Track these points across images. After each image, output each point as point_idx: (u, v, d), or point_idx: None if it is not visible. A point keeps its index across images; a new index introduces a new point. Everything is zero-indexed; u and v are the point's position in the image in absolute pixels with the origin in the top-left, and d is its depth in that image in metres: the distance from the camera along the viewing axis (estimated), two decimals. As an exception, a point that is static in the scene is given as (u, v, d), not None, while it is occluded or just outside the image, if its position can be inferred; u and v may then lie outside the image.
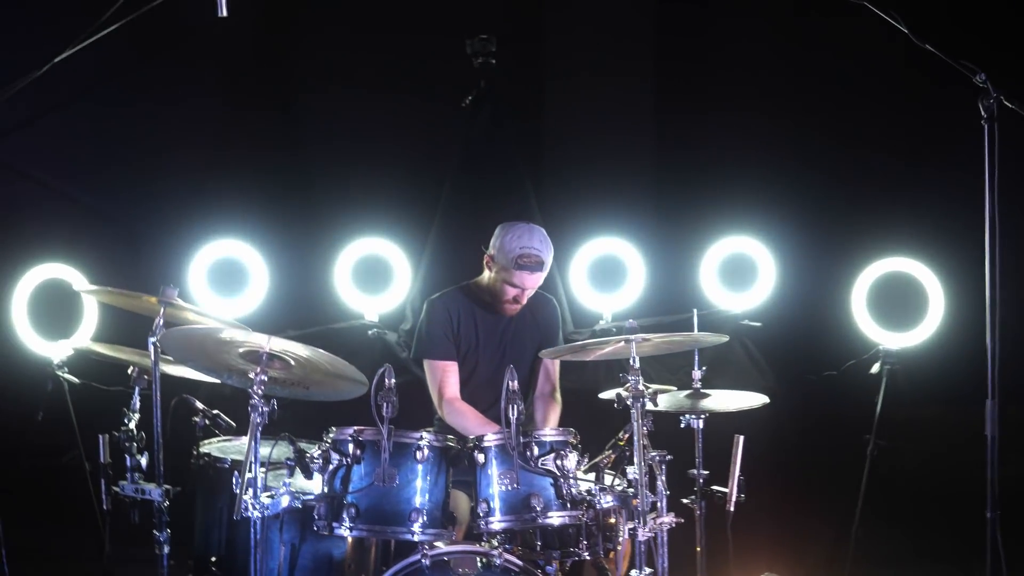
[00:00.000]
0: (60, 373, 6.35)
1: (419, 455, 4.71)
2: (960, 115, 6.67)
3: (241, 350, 4.77)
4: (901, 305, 6.76)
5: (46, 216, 7.15)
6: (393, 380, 4.64)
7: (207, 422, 5.46)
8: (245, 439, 4.91)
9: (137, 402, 5.39)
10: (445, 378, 5.52)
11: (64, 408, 6.42)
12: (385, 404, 4.61)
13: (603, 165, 7.33)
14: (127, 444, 5.23)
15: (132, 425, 5.30)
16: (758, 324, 7.02)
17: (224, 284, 7.04)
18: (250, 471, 4.63)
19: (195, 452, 5.44)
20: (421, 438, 4.74)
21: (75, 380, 6.35)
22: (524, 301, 5.49)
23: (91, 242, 7.06)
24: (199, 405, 5.45)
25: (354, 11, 7.39)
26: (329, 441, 4.81)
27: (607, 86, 7.41)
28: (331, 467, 4.74)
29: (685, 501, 5.30)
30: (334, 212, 7.23)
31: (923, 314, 6.73)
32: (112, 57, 6.94)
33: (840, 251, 7.00)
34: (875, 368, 6.67)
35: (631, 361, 4.74)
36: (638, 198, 7.36)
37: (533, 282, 5.43)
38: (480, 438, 4.78)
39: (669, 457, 4.79)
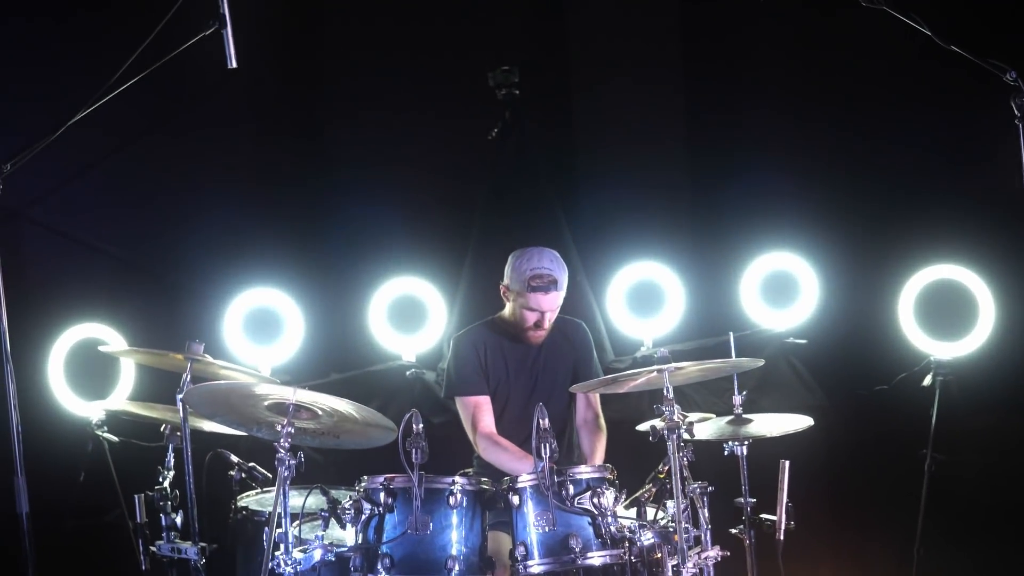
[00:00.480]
0: (99, 432, 6.30)
1: (452, 500, 4.59)
2: (1001, 114, 6.59)
3: (267, 403, 4.68)
4: (950, 314, 6.51)
5: (81, 274, 7.08)
6: (421, 425, 4.53)
7: (243, 475, 5.40)
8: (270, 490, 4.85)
9: (171, 459, 5.36)
10: (478, 413, 5.40)
11: (105, 468, 6.34)
12: (414, 450, 4.51)
13: (636, 188, 7.16)
14: (161, 503, 5.17)
15: (166, 483, 5.26)
16: (803, 341, 6.81)
17: (260, 333, 6.94)
18: (280, 526, 4.51)
19: (233, 506, 5.37)
20: (453, 483, 4.62)
21: (114, 439, 6.28)
22: (546, 326, 5.35)
23: (127, 299, 6.99)
24: (234, 458, 5.39)
25: (377, 46, 7.30)
26: (360, 490, 4.70)
27: (636, 107, 7.25)
28: (363, 517, 4.64)
29: (733, 531, 5.13)
30: (366, 253, 7.12)
31: (973, 322, 6.48)
32: (136, 109, 6.78)
33: (884, 261, 6.75)
34: (927, 380, 6.43)
35: (664, 391, 4.58)
36: (673, 220, 7.18)
37: (549, 303, 5.29)
38: (514, 479, 4.64)
39: (711, 488, 4.64)
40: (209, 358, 5.17)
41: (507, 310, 5.49)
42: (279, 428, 4.59)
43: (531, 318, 5.34)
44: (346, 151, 7.31)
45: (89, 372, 6.61)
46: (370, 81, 7.30)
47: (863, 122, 6.98)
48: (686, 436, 4.52)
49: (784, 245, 6.93)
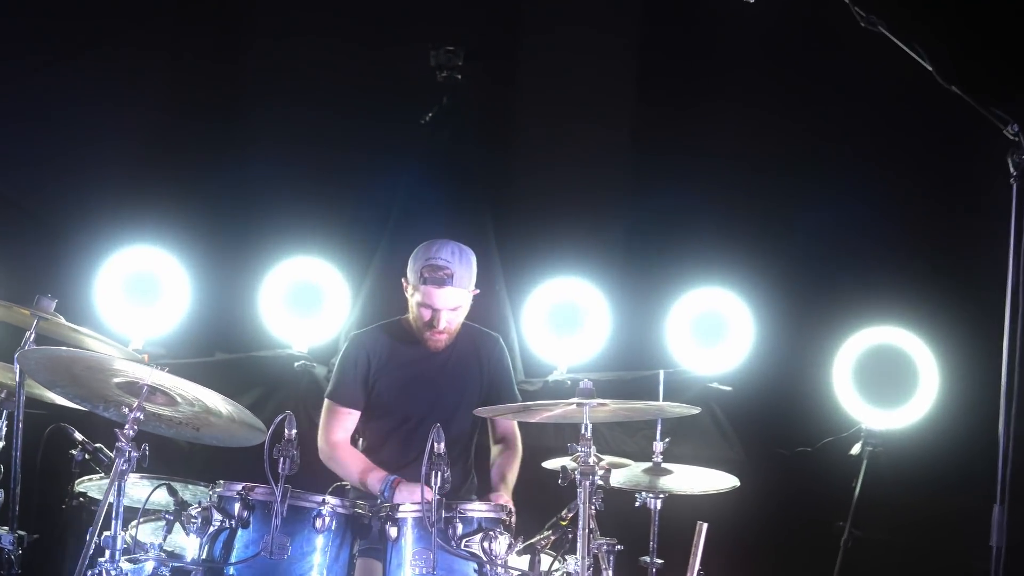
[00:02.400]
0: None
1: (319, 523, 3.85)
2: (962, 170, 6.07)
3: (118, 380, 3.88)
4: (889, 381, 5.95)
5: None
6: (295, 431, 3.78)
7: (86, 456, 4.56)
8: (132, 477, 4.06)
9: (2, 429, 4.51)
10: (336, 424, 4.73)
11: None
12: (282, 459, 3.74)
13: (572, 199, 6.48)
14: (-22, 479, 4.33)
15: (-10, 457, 4.41)
16: (728, 388, 6.19)
17: (138, 297, 6.13)
18: (108, 528, 3.71)
19: (69, 490, 4.58)
20: (323, 502, 3.88)
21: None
22: (441, 327, 4.62)
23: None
24: (78, 436, 4.57)
25: (311, 13, 6.53)
26: (213, 496, 3.92)
27: (583, 115, 6.57)
28: (212, 528, 3.85)
29: (635, 595, 4.46)
30: (271, 226, 6.33)
31: (913, 392, 5.92)
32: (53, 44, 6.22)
33: (825, 315, 6.15)
34: (855, 449, 5.86)
35: (582, 429, 3.88)
36: (607, 238, 6.51)
37: (443, 300, 4.58)
38: (395, 507, 3.90)
39: (619, 547, 3.94)
40: (61, 319, 4.36)
41: (410, 315, 4.74)
42: (126, 411, 3.78)
43: (424, 315, 4.62)
44: (264, 116, 6.50)
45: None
46: (298, 44, 6.52)
47: (817, 169, 6.39)
48: (600, 483, 3.81)
49: (721, 282, 6.32)
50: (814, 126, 6.37)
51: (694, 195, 6.42)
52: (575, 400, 3.88)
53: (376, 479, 4.39)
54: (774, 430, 6.18)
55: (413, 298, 4.65)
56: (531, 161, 6.57)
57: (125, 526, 3.95)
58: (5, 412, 4.49)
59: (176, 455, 5.81)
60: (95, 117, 6.34)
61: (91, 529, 3.59)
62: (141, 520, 4.21)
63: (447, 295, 4.55)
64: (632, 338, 6.33)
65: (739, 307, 6.27)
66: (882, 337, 6.01)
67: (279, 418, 3.74)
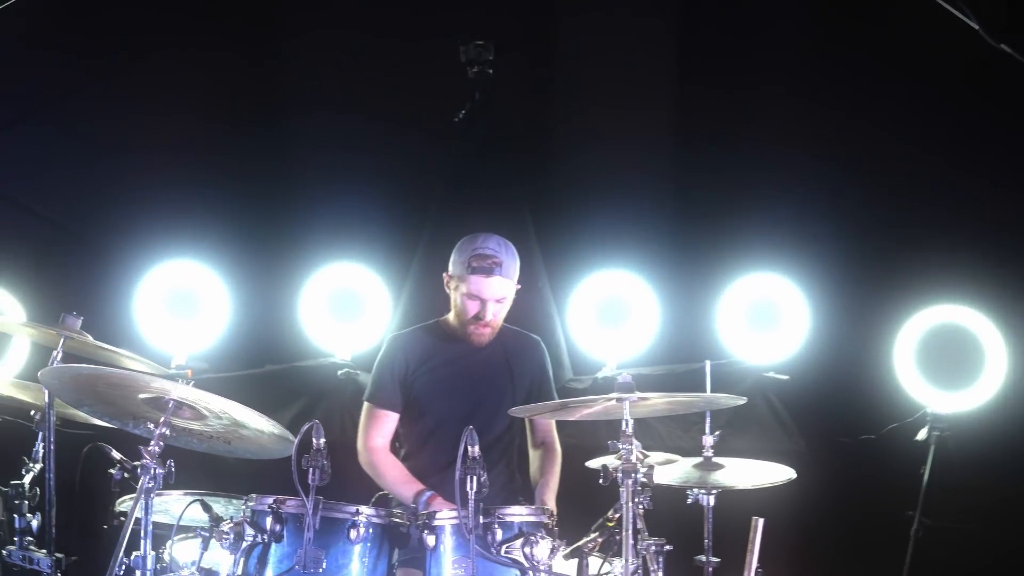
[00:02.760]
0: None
1: (354, 534, 3.72)
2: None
3: (143, 396, 3.77)
4: (954, 362, 5.68)
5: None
6: (323, 440, 3.65)
7: (126, 475, 4.42)
8: (175, 494, 3.97)
9: (39, 451, 4.43)
10: (375, 427, 4.61)
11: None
12: (312, 469, 3.60)
13: (613, 190, 6.23)
14: (16, 502, 4.25)
15: (27, 479, 4.33)
16: (785, 377, 5.95)
17: (180, 311, 6.04)
18: (138, 548, 3.60)
19: (111, 511, 4.47)
20: (357, 512, 3.73)
21: (-5, 419, 5.34)
22: (488, 319, 4.52)
23: (35, 262, 6.11)
24: (116, 454, 4.43)
25: (342, 14, 6.39)
26: (246, 511, 3.80)
27: (623, 102, 6.31)
28: (244, 544, 3.72)
29: (691, 597, 4.26)
30: (308, 235, 6.19)
31: (980, 373, 5.63)
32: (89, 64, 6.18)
33: (884, 295, 5.89)
34: (921, 434, 5.60)
35: (623, 425, 3.70)
36: (652, 228, 6.25)
37: (491, 290, 4.48)
38: (431, 515, 3.74)
39: (668, 547, 3.75)
40: (89, 337, 4.27)
41: (451, 308, 4.62)
42: (151, 427, 3.67)
43: (471, 308, 4.51)
44: (296, 124, 6.38)
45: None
46: (329, 51, 6.36)
47: (871, 143, 6.12)
48: (644, 481, 3.62)
49: (774, 267, 6.07)
50: (864, 104, 6.11)
51: (741, 180, 6.20)
52: (614, 396, 3.70)
53: (411, 491, 4.29)
54: (835, 418, 5.93)
55: (458, 291, 4.54)
56: (569, 152, 6.36)
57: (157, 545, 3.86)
58: (41, 434, 4.41)
59: (226, 471, 5.73)
60: (130, 133, 6.28)
61: (115, 550, 3.47)
62: (177, 538, 4.14)
63: (495, 284, 4.46)
64: (682, 330, 6.10)
65: (793, 292, 6.02)
66: (945, 316, 5.75)
67: (305, 427, 3.61)
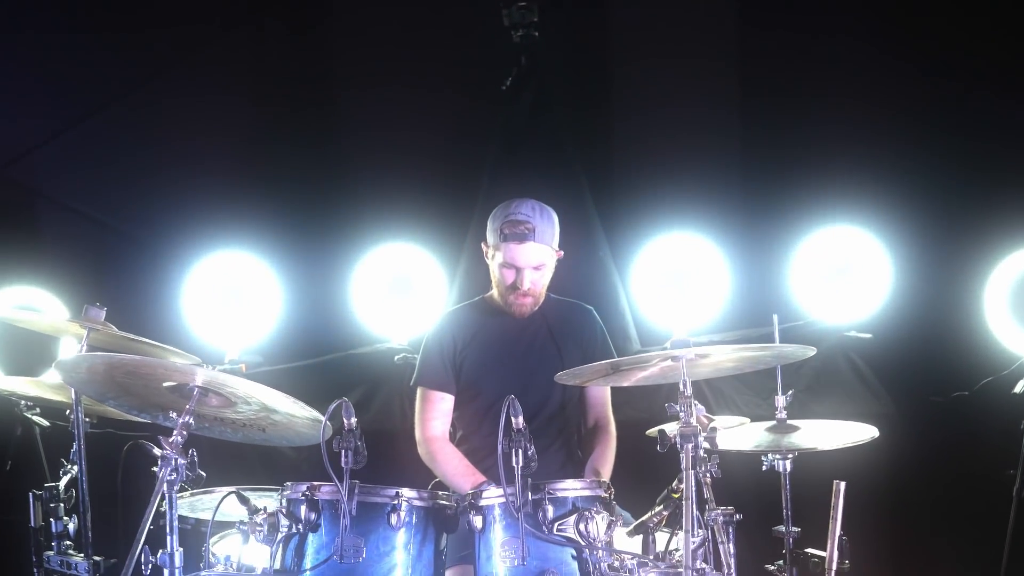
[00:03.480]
0: (29, 415, 5.16)
1: (394, 519, 3.41)
2: None
3: (167, 384, 3.51)
4: (1053, 305, 5.19)
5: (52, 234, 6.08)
6: (353, 419, 3.34)
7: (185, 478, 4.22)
8: (223, 491, 3.74)
9: (83, 450, 4.21)
10: (430, 411, 4.29)
11: (36, 456, 5.22)
12: (344, 451, 3.30)
13: (672, 149, 5.86)
14: (52, 505, 4.04)
15: (63, 482, 4.12)
16: (868, 336, 5.53)
17: (229, 305, 5.83)
18: (165, 546, 3.35)
19: (157, 511, 4.24)
20: (397, 496, 3.42)
21: (45, 423, 5.14)
22: (526, 288, 4.20)
23: (80, 260, 5.95)
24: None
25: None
26: (281, 500, 3.52)
27: (680, 56, 5.91)
28: (280, 535, 3.44)
29: (771, 568, 3.90)
30: (355, 217, 5.95)
31: (1082, 315, 5.15)
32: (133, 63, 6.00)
33: (970, 240, 5.44)
34: (1019, 387, 5.12)
35: (681, 386, 3.34)
36: (717, 185, 5.87)
37: (525, 256, 4.16)
38: (476, 495, 3.43)
39: (738, 516, 3.40)
40: (114, 328, 4.03)
41: (492, 280, 4.32)
42: (174, 415, 3.42)
43: (508, 277, 4.22)
44: (341, 104, 6.14)
45: (22, 343, 5.50)
46: (371, 26, 6.10)
47: (950, 79, 5.66)
48: (706, 446, 3.26)
49: (849, 219, 5.65)
50: (935, 53, 5.65)
51: (809, 130, 5.80)
52: (669, 353, 3.34)
53: (470, 484, 3.92)
54: (925, 377, 5.49)
55: (495, 260, 4.26)
56: (625, 112, 6.00)
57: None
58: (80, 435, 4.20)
59: (284, 465, 5.51)
60: (175, 127, 6.08)
61: (132, 548, 3.21)
62: (220, 534, 3.91)
63: (529, 251, 4.14)
64: (755, 293, 5.71)
65: (871, 244, 5.62)
66: (1037, 258, 5.27)
67: (333, 405, 3.32)
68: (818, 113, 5.78)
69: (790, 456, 3.87)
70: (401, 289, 5.85)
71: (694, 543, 3.20)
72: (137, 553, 3.21)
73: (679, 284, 5.75)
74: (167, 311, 5.80)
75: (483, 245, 4.31)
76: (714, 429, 3.29)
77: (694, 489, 3.18)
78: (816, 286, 5.64)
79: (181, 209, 5.98)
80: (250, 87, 6.20)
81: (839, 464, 4.04)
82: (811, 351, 3.52)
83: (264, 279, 5.84)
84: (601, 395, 4.34)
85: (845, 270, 5.63)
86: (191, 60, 6.16)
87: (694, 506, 3.15)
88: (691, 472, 3.21)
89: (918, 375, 5.49)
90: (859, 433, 3.92)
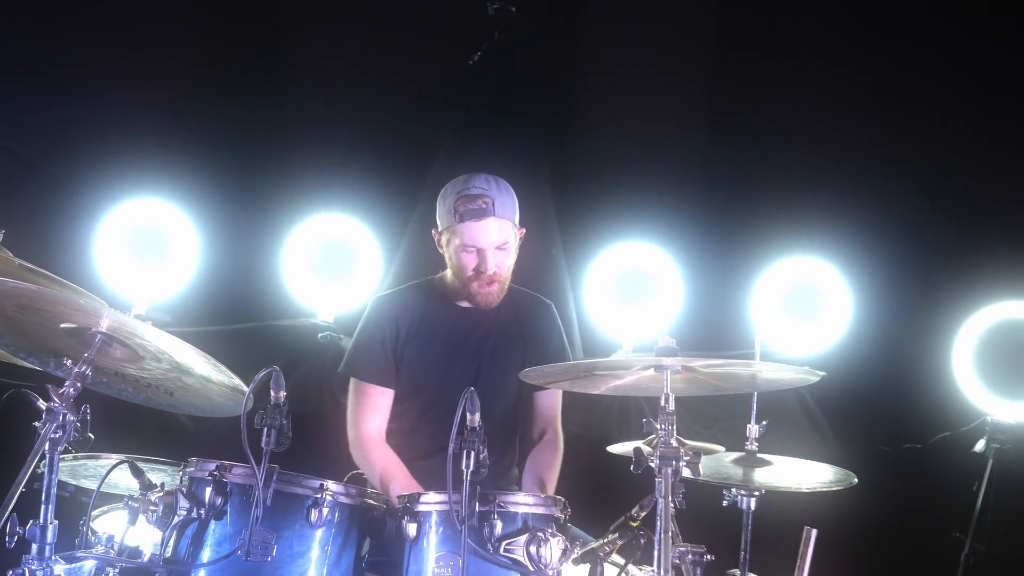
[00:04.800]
0: None
1: (315, 515, 2.85)
2: None
3: (65, 326, 2.91)
4: (1019, 365, 4.81)
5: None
6: (283, 393, 2.78)
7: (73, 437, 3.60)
8: (113, 459, 3.16)
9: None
10: (367, 408, 3.69)
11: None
12: (267, 429, 2.74)
13: (640, 154, 5.41)
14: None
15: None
16: (822, 373, 5.06)
17: (145, 256, 5.20)
18: (39, 517, 2.74)
19: (33, 473, 3.63)
20: (321, 488, 2.87)
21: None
22: (491, 271, 3.64)
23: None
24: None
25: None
26: (184, 478, 2.94)
27: (655, 57, 5.46)
28: (176, 519, 2.86)
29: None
30: (295, 180, 5.36)
31: (1050, 379, 4.80)
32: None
33: (942, 288, 5.06)
34: (979, 446, 4.80)
35: (662, 400, 2.85)
36: (682, 199, 5.41)
37: (486, 235, 3.61)
38: (413, 498, 2.89)
39: (709, 557, 2.90)
40: (9, 254, 3.39)
41: (448, 269, 3.76)
42: (67, 363, 2.83)
43: (469, 262, 3.64)
44: (287, 56, 5.52)
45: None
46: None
47: (925, 121, 5.28)
48: (686, 473, 2.78)
49: (814, 250, 5.26)
50: (917, 84, 5.29)
51: (781, 153, 5.38)
52: (654, 360, 2.85)
53: (400, 487, 3.36)
54: (877, 422, 5.10)
55: (451, 246, 3.67)
56: (594, 108, 5.52)
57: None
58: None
59: (183, 435, 4.90)
60: (103, 68, 5.41)
61: (13, 518, 2.61)
62: (103, 508, 3.32)
63: (490, 228, 3.58)
64: (709, 313, 5.27)
65: (834, 278, 5.22)
66: (1009, 312, 4.91)
67: (261, 374, 2.77)
68: (789, 138, 5.38)
69: (756, 494, 3.42)
70: (334, 262, 5.29)
71: (657, 583, 2.70)
72: (2, 521, 2.60)
73: (631, 295, 5.29)
74: (75, 254, 5.14)
75: (433, 232, 3.72)
76: (698, 455, 2.80)
77: (670, 519, 2.68)
78: (773, 314, 5.22)
79: (103, 150, 5.31)
80: (190, 30, 5.57)
81: (788, 506, 3.62)
82: (816, 376, 3.07)
83: (184, 233, 5.22)
84: (554, 401, 3.81)
85: (804, 302, 5.22)
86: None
87: (670, 539, 2.65)
88: (667, 498, 2.71)
89: (871, 420, 5.09)
90: (835, 477, 3.48)
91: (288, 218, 5.32)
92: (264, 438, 2.75)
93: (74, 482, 3.69)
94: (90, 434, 3.21)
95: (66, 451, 3.73)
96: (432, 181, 5.26)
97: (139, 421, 4.64)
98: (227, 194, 5.30)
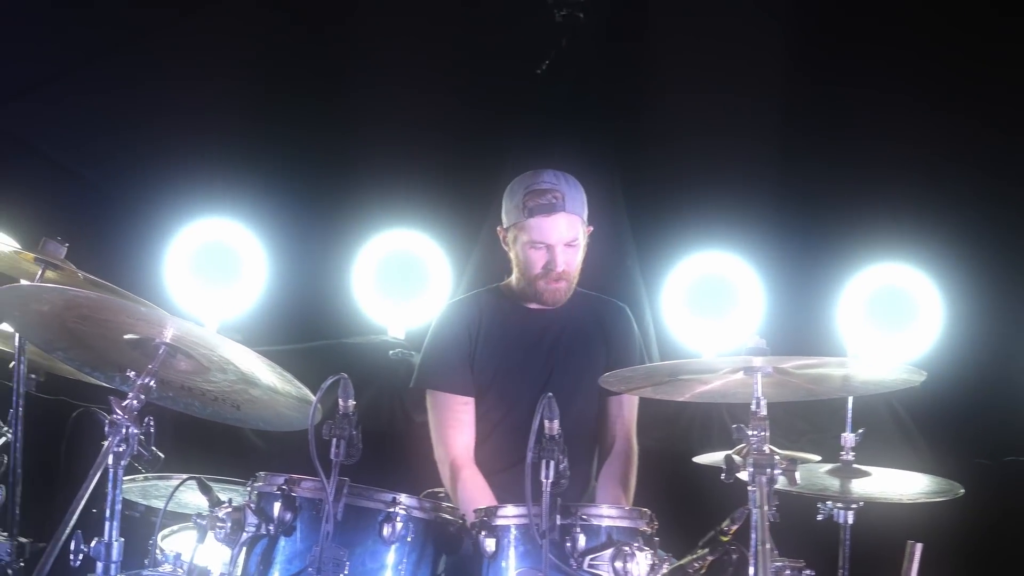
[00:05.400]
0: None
1: (387, 530, 2.69)
2: None
3: (128, 337, 2.81)
4: None
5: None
6: (351, 401, 2.63)
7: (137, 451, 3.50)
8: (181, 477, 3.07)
9: (20, 412, 3.49)
10: (451, 423, 3.49)
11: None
12: (336, 440, 2.60)
13: (716, 161, 5.17)
14: (-25, 474, 3.31)
15: (-7, 447, 3.40)
16: (924, 373, 4.81)
17: (215, 275, 5.13)
18: (103, 535, 2.63)
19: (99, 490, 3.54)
20: (394, 502, 2.71)
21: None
22: (561, 269, 3.48)
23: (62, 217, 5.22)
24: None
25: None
26: (253, 494, 2.81)
27: (730, 60, 5.26)
28: (245, 536, 2.72)
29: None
30: (364, 197, 5.25)
31: None
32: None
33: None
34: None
35: (754, 405, 2.65)
36: (760, 208, 5.14)
37: (556, 230, 3.45)
38: (490, 511, 2.72)
39: (809, 573, 2.69)
40: (73, 267, 3.31)
41: (514, 269, 3.60)
42: (131, 376, 2.71)
43: (537, 259, 3.48)
44: (356, 73, 5.42)
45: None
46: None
47: (1016, 118, 5.01)
48: (781, 483, 2.58)
49: (903, 257, 5.00)
50: (1008, 76, 5.03)
51: (864, 159, 5.14)
52: (742, 363, 2.66)
53: None
54: (974, 433, 4.81)
55: (518, 242, 3.51)
56: (667, 116, 5.30)
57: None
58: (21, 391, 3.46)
59: (254, 454, 4.80)
60: (171, 91, 5.36)
61: (57, 533, 2.50)
62: (166, 525, 3.21)
63: (560, 224, 3.43)
64: (793, 323, 5.03)
65: (924, 284, 4.96)
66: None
67: (329, 381, 2.62)
68: (873, 145, 5.14)
69: (853, 507, 3.20)
70: (403, 278, 5.18)
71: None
72: (64, 537, 2.48)
73: (710, 306, 5.09)
74: (145, 276, 5.08)
75: (499, 230, 3.58)
76: (794, 462, 2.60)
77: (767, 531, 2.48)
78: (860, 324, 4.98)
79: (172, 172, 5.27)
80: (256, 51, 5.50)
81: (885, 519, 3.40)
82: (919, 377, 2.85)
83: (253, 252, 5.15)
84: (630, 409, 3.61)
85: (893, 309, 4.98)
86: (195, 17, 5.47)
87: (768, 552, 2.45)
88: (763, 508, 2.51)
89: (967, 431, 4.81)
90: (940, 487, 3.25)
91: (357, 235, 5.22)
92: (333, 449, 2.60)
93: (144, 502, 3.60)
94: (159, 453, 3.11)
95: (136, 471, 3.70)
96: (500, 192, 5.16)
97: (210, 440, 4.55)
98: (295, 213, 5.21)
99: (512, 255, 3.57)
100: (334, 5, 5.50)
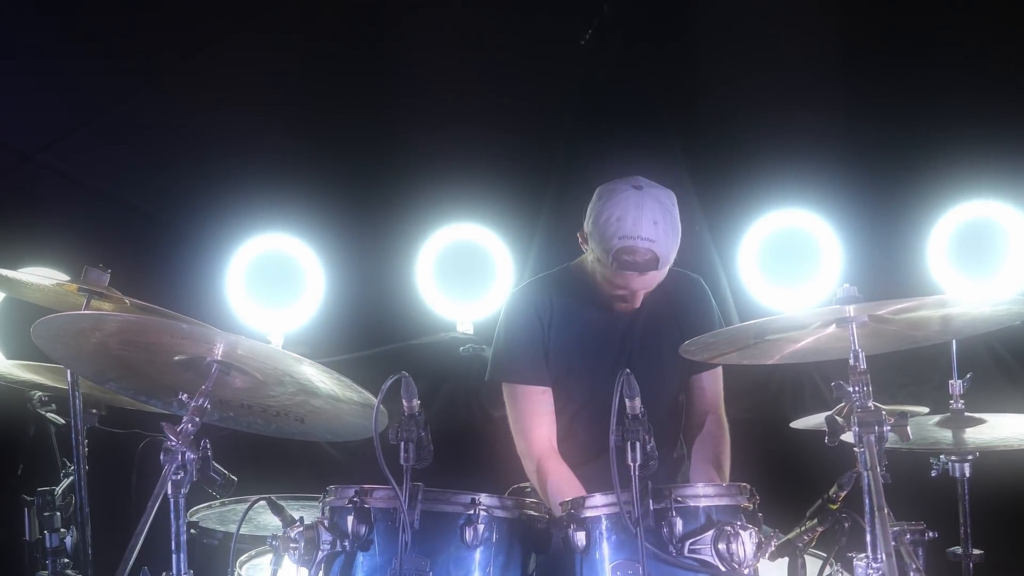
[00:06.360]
0: (43, 411, 4.31)
1: (470, 534, 2.49)
2: None
3: (179, 358, 2.64)
4: None
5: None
6: (417, 401, 2.43)
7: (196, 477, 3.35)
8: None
9: (84, 449, 3.36)
10: (532, 415, 3.26)
11: (52, 458, 4.38)
12: (404, 444, 2.40)
13: (780, 115, 4.91)
14: (46, 515, 3.18)
15: (60, 487, 3.27)
16: (1016, 322, 4.51)
17: (275, 291, 4.99)
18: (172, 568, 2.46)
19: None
20: (473, 503, 2.51)
21: (61, 421, 4.29)
22: (638, 300, 3.23)
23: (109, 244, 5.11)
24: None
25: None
26: (325, 510, 2.63)
27: (780, 18, 5.00)
28: (320, 554, 2.54)
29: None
30: (419, 193, 5.07)
31: None
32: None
33: None
34: None
35: (852, 359, 2.41)
36: (830, 159, 4.90)
37: (644, 284, 3.18)
38: (578, 503, 2.51)
39: (932, 534, 2.44)
40: (118, 294, 3.16)
41: (588, 261, 3.35)
42: (183, 399, 2.55)
43: (616, 291, 3.23)
44: (403, 65, 5.24)
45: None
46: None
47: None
48: (892, 441, 2.33)
49: (988, 192, 4.69)
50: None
51: (926, 93, 4.83)
52: (834, 315, 2.41)
53: None
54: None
55: (599, 262, 3.21)
56: (720, 71, 5.06)
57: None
58: (82, 428, 3.33)
59: (333, 469, 4.64)
60: (216, 115, 5.23)
61: (123, 563, 2.33)
62: (246, 550, 3.04)
63: (649, 279, 3.16)
64: (876, 272, 4.74)
65: (1014, 216, 4.64)
66: None
67: (389, 381, 2.43)
68: (931, 79, 4.83)
69: (969, 458, 2.94)
70: (467, 272, 4.99)
71: (879, 572, 2.26)
72: (127, 575, 2.32)
73: (785, 264, 4.83)
74: (208, 299, 4.97)
75: (579, 236, 3.28)
76: (904, 416, 2.35)
77: (882, 494, 2.23)
78: (947, 266, 4.69)
79: (219, 194, 5.15)
80: (300, 55, 5.36)
81: (1003, 470, 3.13)
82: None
83: (310, 262, 5.01)
84: (715, 381, 3.39)
85: (982, 249, 4.67)
86: (235, 37, 5.34)
87: (885, 517, 2.20)
88: (874, 471, 2.26)
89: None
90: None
91: (413, 234, 5.04)
92: (402, 454, 2.41)
93: (222, 528, 3.46)
94: (232, 476, 2.95)
95: (212, 498, 3.57)
96: (557, 176, 4.96)
97: (286, 458, 4.42)
98: (349, 220, 5.06)
99: (591, 261, 3.28)
100: (376, 13, 5.35)
